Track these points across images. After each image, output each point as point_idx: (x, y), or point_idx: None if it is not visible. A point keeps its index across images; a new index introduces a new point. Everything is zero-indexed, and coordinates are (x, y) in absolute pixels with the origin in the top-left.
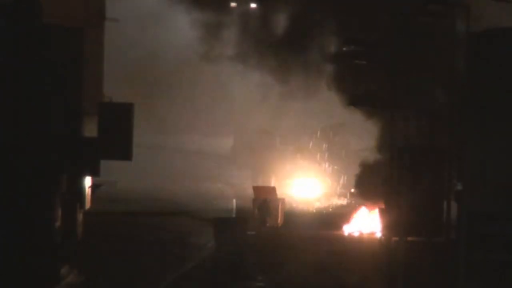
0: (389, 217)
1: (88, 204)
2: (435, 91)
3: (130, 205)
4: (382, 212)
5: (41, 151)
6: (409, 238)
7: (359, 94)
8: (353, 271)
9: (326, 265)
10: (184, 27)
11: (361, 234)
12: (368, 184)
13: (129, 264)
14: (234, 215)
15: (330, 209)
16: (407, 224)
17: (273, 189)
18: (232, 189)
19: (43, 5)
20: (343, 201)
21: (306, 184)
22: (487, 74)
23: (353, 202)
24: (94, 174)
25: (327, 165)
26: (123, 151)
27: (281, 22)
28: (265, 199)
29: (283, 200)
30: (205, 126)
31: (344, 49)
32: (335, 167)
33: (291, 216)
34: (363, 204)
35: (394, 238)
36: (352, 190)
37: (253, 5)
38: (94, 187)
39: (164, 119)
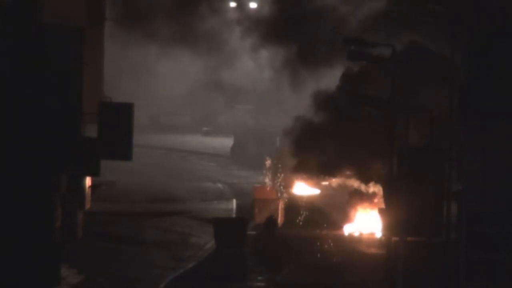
0: (389, 217)
1: (88, 204)
2: (435, 91)
3: (130, 205)
4: (382, 212)
5: (41, 151)
6: (409, 238)
7: (360, 95)
8: (353, 271)
9: (326, 265)
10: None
11: (361, 234)
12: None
13: (129, 264)
14: (234, 215)
15: (329, 208)
16: (407, 224)
17: (273, 188)
18: (232, 189)
19: (43, 5)
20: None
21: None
22: (487, 73)
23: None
24: (94, 174)
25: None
26: (123, 151)
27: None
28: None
29: (283, 200)
30: (206, 125)
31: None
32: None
33: (291, 215)
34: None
35: (394, 238)
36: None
37: (253, 5)
38: (94, 187)
39: (163, 118)
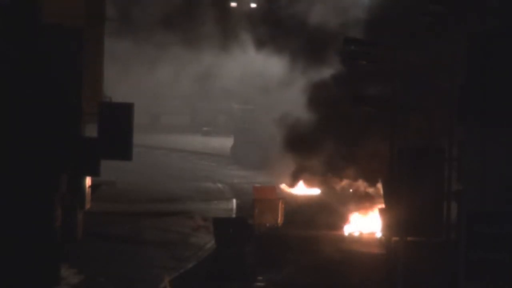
0: (389, 217)
1: (88, 204)
2: (435, 90)
3: (130, 205)
4: (382, 212)
5: (41, 151)
6: (409, 238)
7: (360, 94)
8: (353, 271)
9: (326, 265)
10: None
11: (361, 234)
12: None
13: (129, 264)
14: (234, 215)
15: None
16: (407, 224)
17: (273, 188)
18: (232, 189)
19: (43, 5)
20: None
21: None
22: (487, 73)
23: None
24: (94, 174)
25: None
26: (123, 151)
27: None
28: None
29: (283, 199)
30: (206, 125)
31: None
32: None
33: (292, 215)
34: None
35: (394, 238)
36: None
37: (253, 5)
38: (94, 187)
39: (163, 118)
